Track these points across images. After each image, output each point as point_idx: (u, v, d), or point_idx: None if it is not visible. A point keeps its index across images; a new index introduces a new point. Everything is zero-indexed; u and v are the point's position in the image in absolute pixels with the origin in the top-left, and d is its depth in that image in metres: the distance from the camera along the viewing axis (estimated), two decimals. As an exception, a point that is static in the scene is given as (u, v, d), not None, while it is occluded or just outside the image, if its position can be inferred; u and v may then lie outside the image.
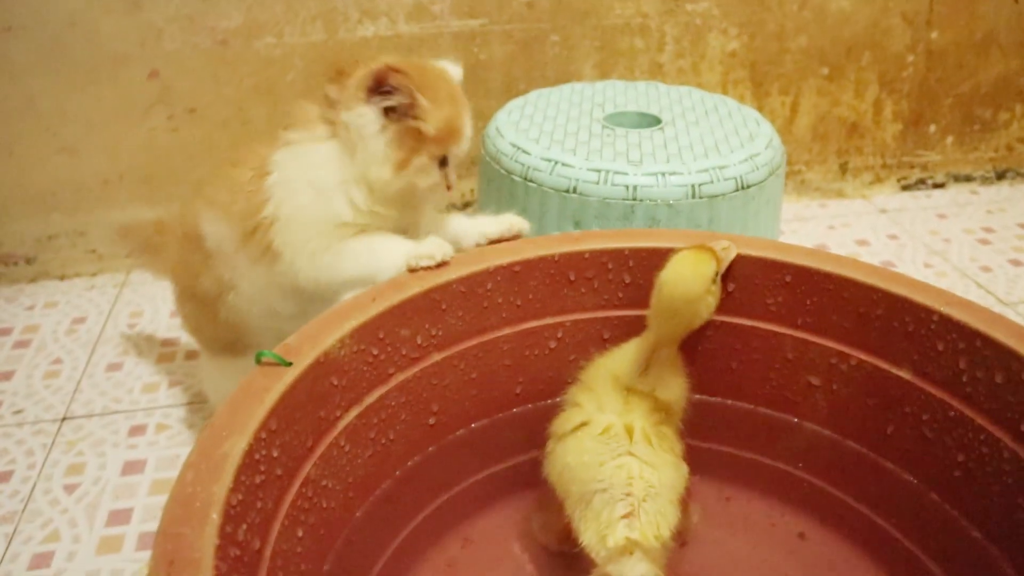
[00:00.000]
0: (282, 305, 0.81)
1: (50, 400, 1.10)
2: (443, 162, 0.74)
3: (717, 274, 0.70)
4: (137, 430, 1.04)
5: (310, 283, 0.76)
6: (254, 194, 0.76)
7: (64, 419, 1.06)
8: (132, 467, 0.98)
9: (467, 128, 0.74)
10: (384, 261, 0.73)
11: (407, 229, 0.78)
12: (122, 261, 1.40)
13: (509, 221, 0.80)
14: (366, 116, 0.71)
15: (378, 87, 0.70)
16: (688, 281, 0.67)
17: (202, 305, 0.86)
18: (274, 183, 0.75)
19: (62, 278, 1.39)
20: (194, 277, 0.85)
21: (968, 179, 1.70)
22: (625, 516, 0.61)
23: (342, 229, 0.74)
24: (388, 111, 0.71)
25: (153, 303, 1.31)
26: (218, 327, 0.86)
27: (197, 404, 1.09)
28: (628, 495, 0.62)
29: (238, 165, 0.79)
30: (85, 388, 1.12)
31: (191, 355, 1.18)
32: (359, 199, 0.74)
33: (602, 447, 0.66)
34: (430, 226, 0.80)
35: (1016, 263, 1.41)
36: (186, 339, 1.22)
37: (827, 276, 0.73)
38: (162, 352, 1.19)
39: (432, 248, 0.72)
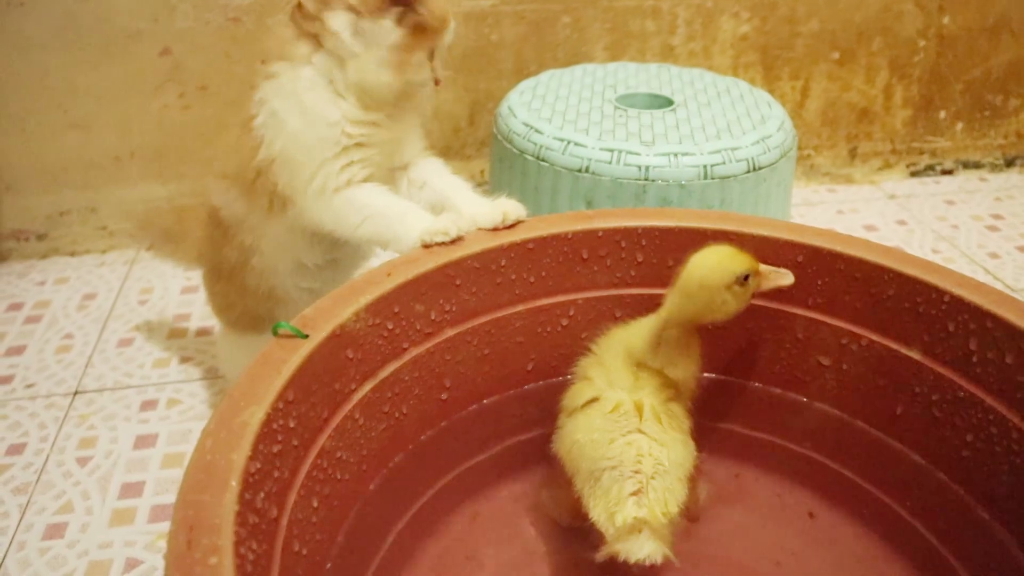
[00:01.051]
0: (308, 255, 0.81)
1: (62, 375, 1.11)
2: (431, 55, 0.74)
3: (747, 279, 0.68)
4: (148, 404, 1.05)
5: (325, 227, 0.76)
6: (246, 142, 0.75)
7: (76, 393, 1.07)
8: (144, 441, 0.99)
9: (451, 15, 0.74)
10: (399, 234, 0.73)
11: (395, 172, 0.79)
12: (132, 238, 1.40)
13: (503, 211, 0.75)
14: (386, 25, 0.70)
15: None
16: (711, 268, 0.67)
17: (230, 279, 0.86)
18: (263, 123, 0.74)
19: (73, 254, 1.40)
20: (218, 252, 0.85)
21: (977, 166, 1.70)
22: (634, 493, 0.62)
23: (344, 156, 0.74)
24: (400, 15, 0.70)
25: (163, 280, 1.32)
26: (248, 299, 0.86)
27: (208, 379, 1.09)
28: (637, 472, 0.63)
29: (230, 127, 0.79)
30: (96, 363, 1.13)
31: (202, 332, 1.19)
32: (353, 111, 0.73)
33: (612, 424, 0.66)
34: (422, 175, 0.80)
35: (1024, 250, 1.41)
36: (197, 315, 1.23)
37: (838, 256, 0.74)
38: (173, 328, 1.20)
39: (447, 224, 0.72)
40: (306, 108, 0.73)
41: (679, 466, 0.65)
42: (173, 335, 1.19)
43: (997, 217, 1.52)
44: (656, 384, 0.69)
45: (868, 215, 1.52)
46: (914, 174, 1.67)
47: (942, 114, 1.63)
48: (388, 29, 0.70)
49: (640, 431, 0.65)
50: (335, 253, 0.82)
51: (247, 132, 0.75)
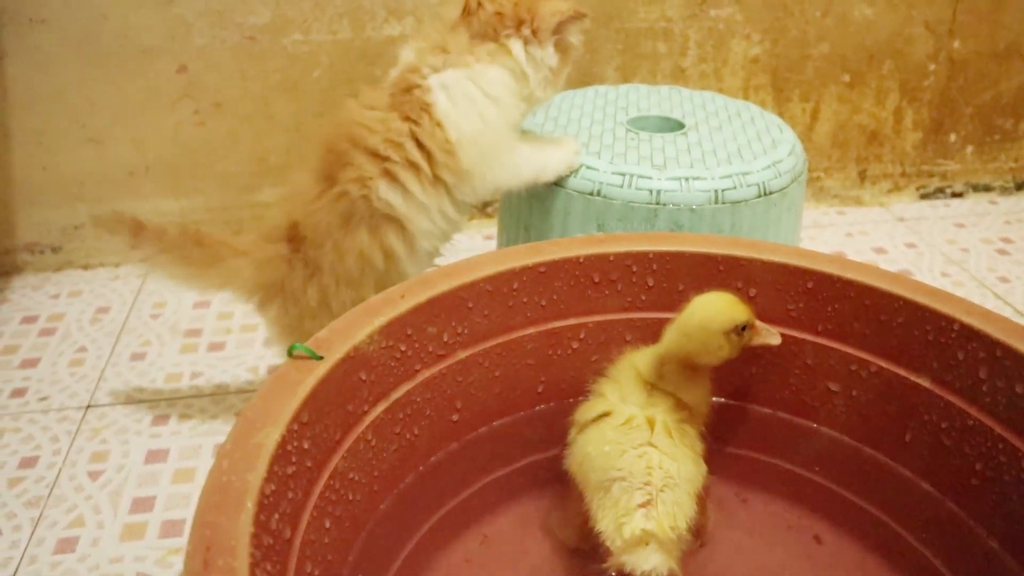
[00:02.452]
0: (440, 242, 0.93)
1: (75, 388, 1.12)
2: None
3: (743, 330, 0.70)
4: (160, 419, 1.06)
5: (490, 190, 0.90)
6: (428, 127, 0.85)
7: (88, 407, 1.08)
8: (155, 456, 1.00)
9: None
10: (551, 164, 0.92)
11: None
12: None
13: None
14: (548, 51, 0.88)
15: (569, 23, 0.88)
16: (714, 311, 0.69)
17: (356, 284, 0.90)
18: (447, 109, 0.85)
19: (86, 267, 1.41)
20: (362, 258, 0.88)
21: (987, 189, 1.70)
22: (643, 505, 0.62)
23: (513, 134, 0.90)
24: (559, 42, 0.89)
25: (176, 294, 1.33)
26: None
27: (219, 395, 1.10)
28: (647, 484, 0.64)
29: (364, 127, 0.85)
30: (109, 377, 1.14)
31: (214, 346, 1.20)
32: (519, 113, 0.90)
33: (623, 437, 0.67)
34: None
35: (1034, 274, 1.41)
36: (209, 329, 1.24)
37: (849, 283, 0.74)
38: (185, 343, 1.21)
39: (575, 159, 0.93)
40: (499, 102, 0.87)
41: (689, 481, 0.66)
42: (185, 350, 1.20)
43: (1007, 241, 1.52)
44: (669, 404, 0.70)
45: (877, 237, 1.52)
46: (924, 197, 1.68)
47: (952, 137, 1.63)
48: (550, 55, 0.88)
49: (651, 444, 0.66)
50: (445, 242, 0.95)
51: (423, 117, 0.85)
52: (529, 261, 0.75)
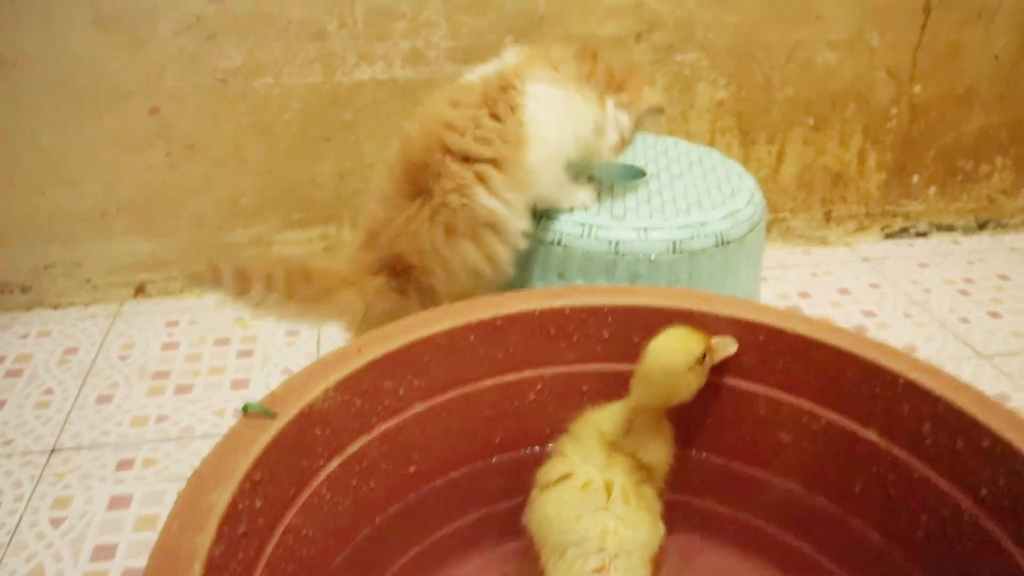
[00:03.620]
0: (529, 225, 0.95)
1: (40, 431, 1.11)
2: None
3: (705, 358, 0.72)
4: (124, 464, 1.06)
5: (535, 197, 0.93)
6: (511, 124, 0.89)
7: (53, 451, 1.08)
8: (118, 502, 1.00)
9: None
10: (575, 197, 0.97)
11: None
12: (116, 291, 1.42)
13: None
14: (629, 123, 0.97)
15: (655, 110, 0.99)
16: (673, 354, 0.70)
17: (469, 296, 0.90)
18: (535, 111, 0.90)
19: (56, 307, 1.41)
20: (471, 270, 0.91)
21: (950, 228, 1.73)
22: (596, 571, 0.63)
23: (568, 155, 0.94)
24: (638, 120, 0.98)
25: (145, 335, 1.33)
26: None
27: (185, 439, 1.10)
28: (601, 550, 0.65)
29: (453, 128, 0.89)
30: (75, 420, 1.14)
31: (181, 388, 1.20)
32: (581, 151, 0.95)
33: (581, 500, 0.68)
34: None
35: (994, 315, 1.44)
36: (177, 371, 1.24)
37: (799, 338, 0.76)
38: (152, 385, 1.21)
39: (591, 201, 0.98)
40: (573, 130, 0.93)
41: (644, 547, 0.67)
42: (152, 392, 1.20)
43: (968, 281, 1.55)
44: (628, 466, 0.71)
45: (842, 278, 1.55)
46: (888, 236, 1.71)
47: (915, 178, 1.67)
48: (628, 126, 0.97)
49: (607, 509, 0.67)
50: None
51: (512, 116, 0.89)
52: (486, 315, 0.76)
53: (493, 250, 0.91)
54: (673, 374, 0.70)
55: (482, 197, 0.88)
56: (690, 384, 0.71)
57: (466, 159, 0.88)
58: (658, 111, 0.99)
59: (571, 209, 0.96)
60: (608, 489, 0.68)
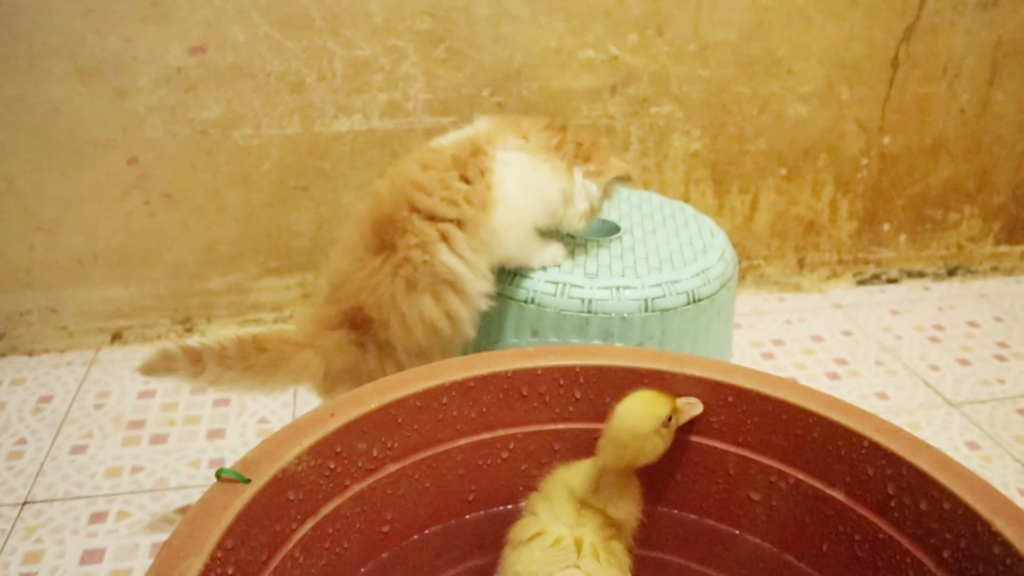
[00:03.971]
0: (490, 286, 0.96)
1: (12, 483, 1.11)
2: None
3: (671, 420, 0.74)
4: (98, 517, 1.05)
5: (499, 258, 0.96)
6: (479, 187, 0.92)
7: (25, 503, 1.07)
8: (90, 556, 0.99)
9: None
10: (544, 255, 0.99)
11: None
12: (93, 338, 1.42)
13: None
14: (598, 192, 0.99)
15: (622, 179, 1.01)
16: (640, 416, 0.72)
17: (426, 354, 0.94)
18: (503, 176, 0.93)
19: (31, 354, 1.41)
20: (430, 326, 0.92)
21: (921, 275, 1.77)
22: None
23: (536, 220, 0.97)
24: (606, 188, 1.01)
25: (121, 383, 1.33)
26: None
27: (159, 491, 1.10)
28: None
29: (422, 189, 0.92)
30: (48, 471, 1.13)
31: (156, 439, 1.20)
32: (547, 223, 0.98)
33: (551, 558, 0.69)
34: None
35: (963, 362, 1.46)
36: (152, 421, 1.23)
37: (766, 399, 0.77)
38: (127, 435, 1.21)
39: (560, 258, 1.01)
40: (541, 199, 0.96)
41: None
42: (127, 443, 1.19)
43: (939, 328, 1.58)
44: (598, 522, 0.72)
45: (815, 325, 1.57)
46: (861, 283, 1.73)
47: (886, 227, 1.70)
48: (595, 191, 0.99)
49: (577, 567, 0.68)
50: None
51: (483, 181, 0.92)
52: (459, 376, 0.77)
53: (452, 308, 0.92)
54: (639, 436, 0.71)
55: (443, 254, 0.90)
56: (656, 446, 0.73)
57: (431, 218, 0.91)
58: (626, 179, 1.02)
59: (543, 268, 0.98)
60: (578, 546, 0.70)
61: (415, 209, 0.91)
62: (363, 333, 0.93)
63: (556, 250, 1.00)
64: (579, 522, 0.72)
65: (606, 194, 1.02)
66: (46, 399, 1.29)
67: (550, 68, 1.39)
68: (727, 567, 0.81)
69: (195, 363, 0.87)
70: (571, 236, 1.06)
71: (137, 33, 1.25)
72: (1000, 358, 1.48)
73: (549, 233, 1.01)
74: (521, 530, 0.73)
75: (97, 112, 1.29)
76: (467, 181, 0.92)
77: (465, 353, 0.98)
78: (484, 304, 0.95)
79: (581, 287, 0.93)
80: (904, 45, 1.53)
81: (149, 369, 0.87)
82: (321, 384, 0.93)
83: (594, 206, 1.00)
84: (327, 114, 1.34)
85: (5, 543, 1.01)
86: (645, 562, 0.77)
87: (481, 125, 0.99)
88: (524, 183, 0.95)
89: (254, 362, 0.89)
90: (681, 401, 0.77)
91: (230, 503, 0.62)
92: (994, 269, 1.80)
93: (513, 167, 0.94)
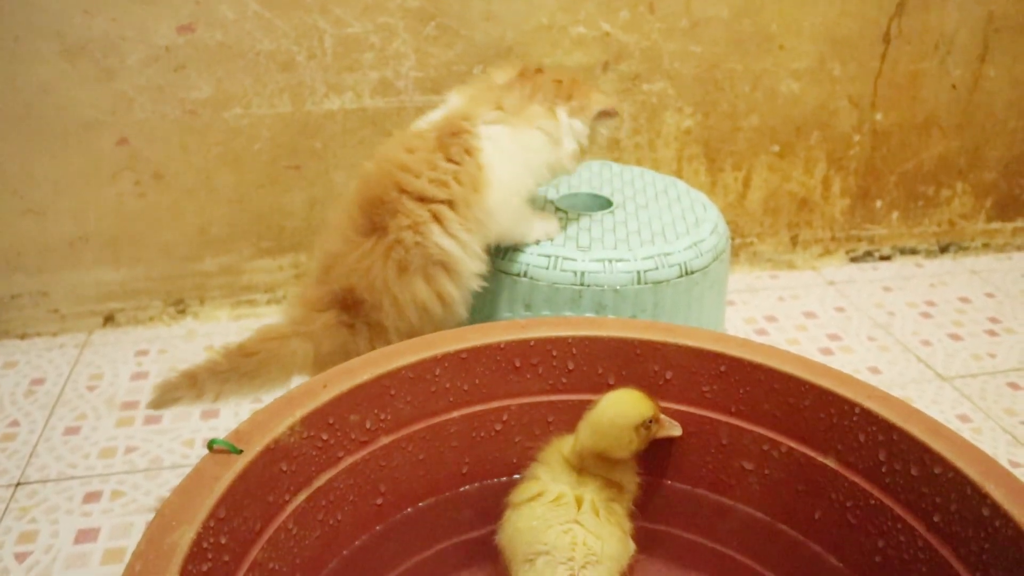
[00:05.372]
0: (484, 265, 0.96)
1: (5, 464, 1.10)
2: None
3: (650, 424, 0.75)
4: (92, 496, 1.05)
5: (496, 236, 0.95)
6: (470, 168, 0.91)
7: (19, 484, 1.07)
8: (85, 535, 0.99)
9: None
10: (537, 229, 0.99)
11: None
12: (85, 321, 1.42)
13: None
14: (585, 129, 0.98)
15: (609, 114, 1.00)
16: (624, 407, 0.73)
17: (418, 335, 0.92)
18: (491, 156, 0.92)
19: (23, 337, 1.40)
20: (421, 308, 0.92)
21: (913, 252, 1.77)
22: None
23: (529, 191, 0.97)
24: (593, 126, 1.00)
25: (114, 365, 1.33)
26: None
27: (154, 471, 1.10)
28: (570, 560, 0.67)
29: (409, 170, 0.91)
30: (41, 452, 1.13)
31: (150, 419, 1.20)
32: (543, 177, 0.97)
33: (551, 513, 0.71)
34: None
35: (955, 337, 1.47)
36: (146, 402, 1.23)
37: (758, 367, 0.77)
38: (121, 416, 1.21)
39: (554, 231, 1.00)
40: (529, 164, 0.95)
41: (613, 559, 0.69)
42: (121, 423, 1.19)
43: (931, 304, 1.58)
44: (599, 484, 0.73)
45: (808, 302, 1.57)
46: (853, 260, 1.74)
47: (878, 203, 1.70)
48: (585, 133, 0.98)
49: (577, 522, 0.70)
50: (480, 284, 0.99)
51: (470, 160, 0.91)
52: (451, 348, 0.77)
53: (444, 290, 0.92)
54: (618, 427, 0.72)
55: (436, 235, 0.90)
56: (632, 442, 0.74)
57: (422, 199, 0.90)
58: (612, 114, 1.00)
59: (537, 241, 0.97)
60: (579, 502, 0.71)
61: (404, 191, 0.90)
62: (354, 314, 0.92)
63: (550, 223, 1.00)
64: (580, 482, 0.73)
65: (595, 132, 1.00)
66: (38, 382, 1.29)
67: (541, 45, 1.39)
68: (720, 537, 0.82)
69: (193, 386, 0.86)
70: (563, 211, 1.06)
71: (125, 12, 1.24)
72: (991, 333, 1.48)
73: (542, 206, 1.01)
74: (522, 491, 0.74)
75: (86, 93, 1.28)
76: (455, 162, 0.91)
77: (459, 328, 0.99)
78: (477, 285, 0.95)
79: (574, 260, 0.93)
80: (896, 21, 1.53)
81: (157, 404, 0.86)
82: (312, 369, 0.93)
83: (583, 145, 0.99)
84: (318, 93, 1.34)
85: (0, 523, 1.01)
86: (638, 533, 0.77)
87: (454, 101, 0.98)
88: (513, 158, 0.94)
89: (246, 368, 0.88)
90: (665, 418, 0.78)
91: (222, 473, 0.62)
92: (986, 246, 1.80)
93: (499, 142, 0.93)
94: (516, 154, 0.94)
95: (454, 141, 0.92)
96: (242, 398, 0.91)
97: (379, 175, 0.92)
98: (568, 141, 0.97)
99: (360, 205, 0.92)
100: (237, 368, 0.88)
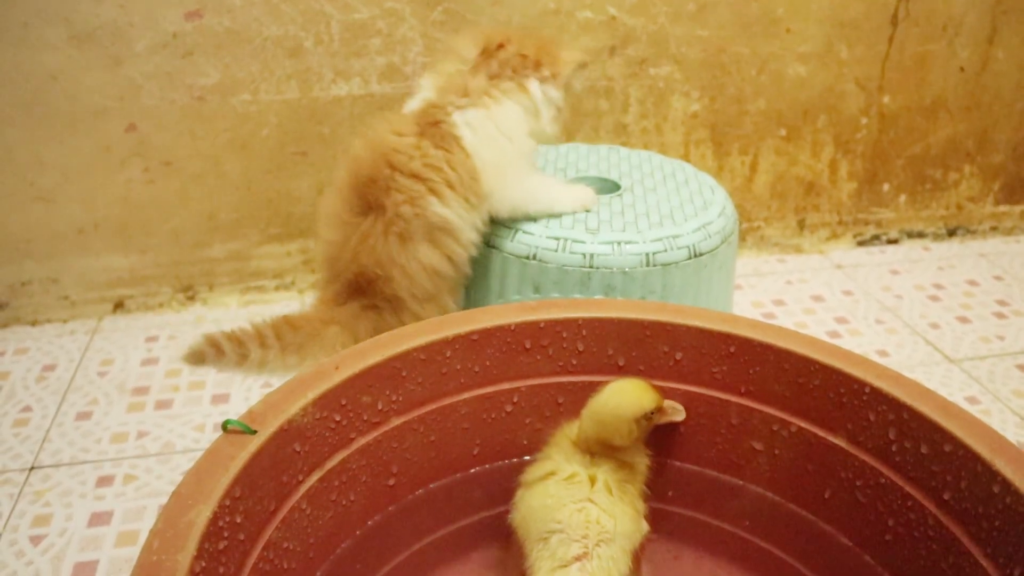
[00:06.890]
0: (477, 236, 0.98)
1: (18, 449, 1.11)
2: None
3: (654, 415, 0.75)
4: (105, 480, 1.06)
5: (509, 209, 0.97)
6: (458, 155, 0.93)
7: (32, 468, 1.08)
8: (99, 518, 1.00)
9: None
10: (564, 199, 1.00)
11: None
12: (95, 307, 1.42)
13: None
14: (558, 92, 0.98)
15: (580, 70, 1.00)
16: (626, 397, 0.73)
17: (435, 297, 0.96)
18: (473, 142, 0.93)
19: (34, 324, 1.41)
20: (431, 270, 0.94)
21: (921, 235, 1.77)
22: (578, 558, 0.66)
23: (527, 166, 0.99)
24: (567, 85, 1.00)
25: (124, 351, 1.33)
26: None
27: (165, 455, 1.11)
28: (584, 537, 0.67)
29: (401, 153, 0.92)
30: (54, 437, 1.14)
31: (161, 404, 1.21)
32: (529, 146, 0.98)
33: (564, 492, 0.71)
34: None
35: (963, 320, 1.47)
36: (156, 387, 1.24)
37: (768, 347, 0.78)
38: (132, 401, 1.21)
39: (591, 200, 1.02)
40: (512, 137, 0.96)
41: (626, 538, 0.69)
42: (132, 408, 1.20)
43: (938, 287, 1.58)
44: (612, 464, 0.73)
45: (816, 285, 1.57)
46: (861, 244, 1.74)
47: (886, 187, 1.70)
48: (556, 94, 0.98)
49: (591, 500, 0.70)
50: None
51: (454, 147, 0.93)
52: (462, 330, 0.77)
53: (450, 250, 0.94)
54: (620, 418, 0.72)
55: (435, 206, 0.91)
56: (632, 432, 0.73)
57: (415, 177, 0.91)
58: (582, 66, 1.01)
59: (573, 212, 0.99)
60: (592, 481, 0.71)
61: (396, 169, 0.91)
62: (372, 296, 0.94)
63: (585, 193, 1.01)
64: (593, 463, 0.73)
65: (568, 90, 1.00)
66: (50, 367, 1.30)
67: (548, 29, 1.38)
68: (730, 517, 0.82)
69: (239, 347, 0.86)
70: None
71: (132, -2, 1.24)
72: (1000, 315, 1.48)
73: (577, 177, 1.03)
74: (535, 470, 0.74)
75: (94, 79, 1.28)
76: (444, 148, 0.92)
77: (467, 297, 1.00)
78: (475, 249, 0.97)
79: (583, 242, 0.93)
80: (903, 3, 1.52)
81: (196, 357, 0.85)
82: None
83: (560, 107, 0.99)
84: (325, 79, 1.34)
85: (14, 507, 1.02)
86: (650, 514, 0.77)
87: (426, 87, 0.98)
88: (495, 138, 0.94)
89: (290, 340, 0.90)
90: (667, 403, 0.78)
91: (237, 453, 0.62)
92: (994, 229, 1.80)
93: (477, 126, 0.94)
94: (496, 135, 0.95)
95: (435, 130, 0.93)
96: (279, 372, 0.90)
97: (370, 157, 0.93)
98: (546, 110, 0.98)
99: (353, 187, 0.93)
100: (281, 339, 0.89)
